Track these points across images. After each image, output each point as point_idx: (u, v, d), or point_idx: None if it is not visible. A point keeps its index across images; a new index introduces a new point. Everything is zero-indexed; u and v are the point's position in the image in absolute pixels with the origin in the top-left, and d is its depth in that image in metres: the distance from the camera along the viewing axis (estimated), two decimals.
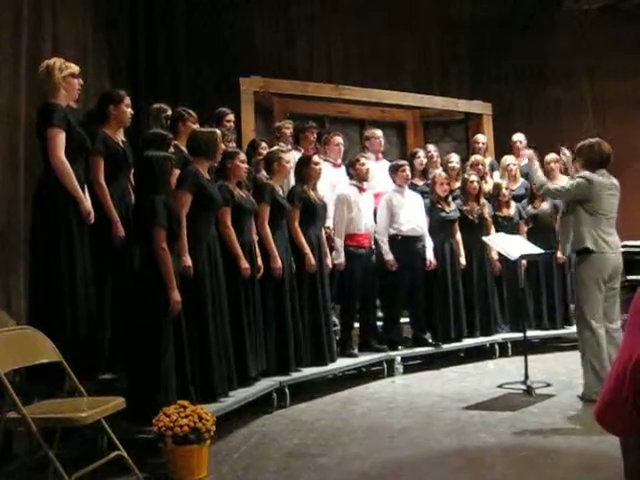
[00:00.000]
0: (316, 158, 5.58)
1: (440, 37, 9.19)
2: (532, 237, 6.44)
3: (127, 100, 4.41)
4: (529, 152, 6.23)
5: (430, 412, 4.62)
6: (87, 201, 3.97)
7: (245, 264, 4.57)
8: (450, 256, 6.42)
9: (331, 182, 6.13)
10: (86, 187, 4.06)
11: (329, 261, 5.63)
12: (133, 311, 3.93)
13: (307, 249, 5.25)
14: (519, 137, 7.57)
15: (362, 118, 8.27)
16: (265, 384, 4.72)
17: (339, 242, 5.80)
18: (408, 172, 6.24)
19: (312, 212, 5.39)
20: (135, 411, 3.52)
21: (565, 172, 6.70)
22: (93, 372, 3.96)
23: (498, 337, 6.62)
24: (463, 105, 8.46)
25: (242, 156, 4.80)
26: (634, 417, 1.45)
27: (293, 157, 5.72)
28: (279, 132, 6.33)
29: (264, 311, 4.87)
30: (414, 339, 6.33)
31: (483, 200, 6.71)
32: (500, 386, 5.27)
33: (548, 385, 5.23)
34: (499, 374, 5.73)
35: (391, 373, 5.88)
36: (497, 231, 6.49)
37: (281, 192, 5.25)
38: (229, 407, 4.19)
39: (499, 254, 6.22)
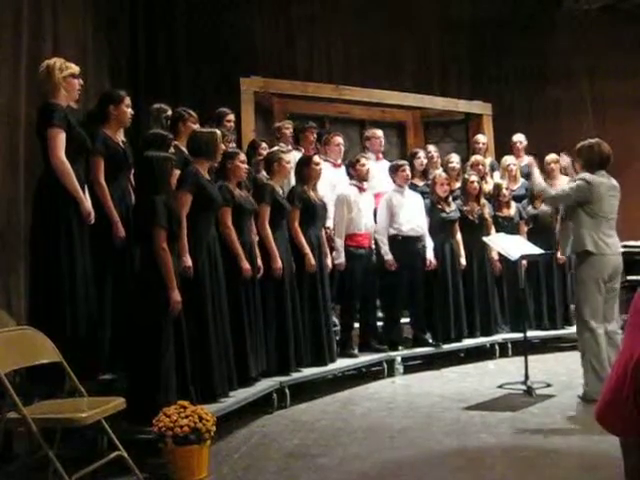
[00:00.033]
0: (316, 158, 5.58)
1: (440, 37, 9.19)
2: (532, 237, 6.43)
3: (127, 100, 4.41)
4: (529, 159, 6.25)
5: (430, 412, 4.62)
6: (87, 201, 3.97)
7: (246, 265, 4.57)
8: (450, 256, 6.42)
9: (331, 182, 6.13)
10: (86, 187, 4.07)
11: (329, 261, 5.63)
12: (133, 311, 3.93)
13: (307, 249, 5.25)
14: (519, 137, 7.57)
15: (362, 118, 8.27)
16: (265, 384, 4.72)
17: (339, 242, 5.80)
18: (408, 172, 6.24)
19: (312, 212, 5.39)
20: (135, 411, 3.52)
21: (565, 173, 6.71)
22: (93, 372, 3.96)
23: (498, 337, 6.62)
24: (463, 105, 8.46)
25: (242, 156, 4.80)
26: (634, 417, 1.45)
27: (293, 157, 5.72)
28: (279, 132, 6.33)
29: (264, 311, 4.87)
30: (414, 339, 6.33)
31: (483, 200, 6.71)
32: (500, 386, 5.27)
33: (548, 385, 5.23)
34: (499, 374, 5.73)
35: (391, 373, 5.88)
36: (497, 231, 6.49)
37: (281, 192, 5.25)
38: (229, 407, 4.19)
39: (499, 254, 6.22)
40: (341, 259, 5.77)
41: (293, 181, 5.61)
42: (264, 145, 5.77)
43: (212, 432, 3.47)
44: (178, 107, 5.14)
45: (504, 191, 6.85)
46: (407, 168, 6.24)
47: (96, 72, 6.18)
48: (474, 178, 6.64)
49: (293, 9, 8.33)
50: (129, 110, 4.41)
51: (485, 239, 5.97)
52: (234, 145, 5.45)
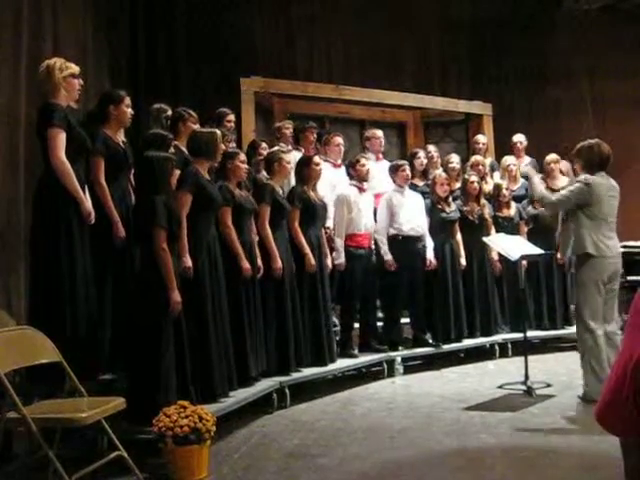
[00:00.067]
0: (317, 159, 5.58)
1: (440, 37, 9.19)
2: (532, 238, 6.43)
3: (127, 100, 4.41)
4: (528, 168, 6.26)
5: (430, 412, 4.62)
6: (87, 201, 3.97)
7: (246, 264, 4.57)
8: (450, 256, 6.42)
9: (331, 182, 6.13)
10: (86, 187, 4.07)
11: (329, 261, 5.63)
12: (133, 311, 3.93)
13: (307, 249, 5.25)
14: (519, 138, 7.58)
15: (362, 118, 8.27)
16: (265, 384, 4.72)
17: (339, 242, 5.80)
18: (408, 172, 6.24)
19: (312, 212, 5.40)
20: (135, 411, 3.52)
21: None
22: (93, 372, 3.96)
23: (498, 337, 6.62)
24: (463, 105, 8.46)
25: (242, 156, 4.80)
26: (634, 417, 1.45)
27: (293, 157, 5.72)
28: (279, 132, 6.33)
29: (264, 311, 4.87)
30: (414, 339, 6.33)
31: (483, 201, 6.71)
32: (500, 387, 5.27)
33: (548, 385, 5.23)
34: (499, 374, 5.73)
35: (391, 373, 5.88)
36: (497, 232, 6.49)
37: (281, 192, 5.25)
38: (229, 407, 4.19)
39: (499, 254, 6.22)
40: (341, 259, 5.77)
41: (293, 181, 5.61)
42: (264, 145, 5.77)
43: (212, 432, 3.47)
44: (178, 107, 5.14)
45: (504, 191, 6.85)
46: (407, 168, 6.24)
47: (96, 72, 6.19)
48: (474, 178, 6.64)
49: (293, 9, 8.33)
50: (129, 110, 4.41)
51: (485, 239, 5.97)
52: (234, 145, 5.45)
